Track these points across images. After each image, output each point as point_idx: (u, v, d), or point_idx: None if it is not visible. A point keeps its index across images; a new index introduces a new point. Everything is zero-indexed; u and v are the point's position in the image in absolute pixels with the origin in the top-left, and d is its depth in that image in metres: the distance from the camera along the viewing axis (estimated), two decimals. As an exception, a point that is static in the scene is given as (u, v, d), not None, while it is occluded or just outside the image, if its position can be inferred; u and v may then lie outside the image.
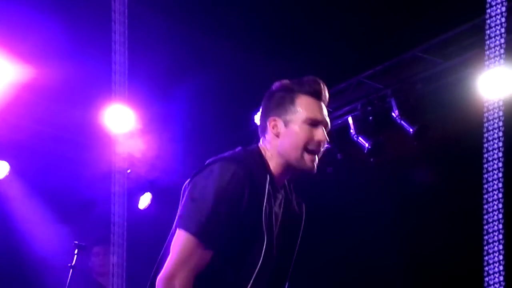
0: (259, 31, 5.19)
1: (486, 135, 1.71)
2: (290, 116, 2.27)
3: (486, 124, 1.69)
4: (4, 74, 4.66)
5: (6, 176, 5.70)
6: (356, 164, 6.17)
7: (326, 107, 2.37)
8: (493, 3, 1.77)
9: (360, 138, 5.86)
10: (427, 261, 6.04)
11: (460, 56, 5.38)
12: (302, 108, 2.29)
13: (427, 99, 5.64)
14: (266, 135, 2.33)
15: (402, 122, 5.60)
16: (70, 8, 4.53)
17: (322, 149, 2.30)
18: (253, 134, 6.59)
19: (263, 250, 2.10)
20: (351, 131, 5.93)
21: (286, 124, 2.28)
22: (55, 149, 5.94)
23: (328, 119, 2.34)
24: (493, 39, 1.83)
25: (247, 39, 5.24)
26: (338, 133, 6.15)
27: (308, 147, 2.27)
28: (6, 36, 3.87)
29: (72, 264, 4.73)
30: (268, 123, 2.31)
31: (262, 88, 6.14)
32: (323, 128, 2.30)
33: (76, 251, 4.75)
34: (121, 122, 5.62)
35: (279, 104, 2.31)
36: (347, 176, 6.24)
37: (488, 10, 1.81)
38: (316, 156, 2.29)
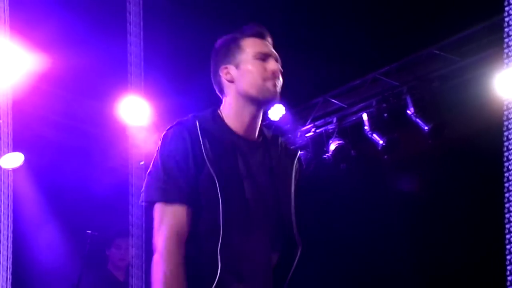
0: (276, 27, 5.17)
1: (506, 133, 1.69)
2: (239, 58, 2.30)
3: (506, 123, 1.67)
4: (20, 64, 4.68)
5: (20, 166, 5.73)
6: (370, 161, 6.15)
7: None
8: (513, 1, 1.76)
9: (374, 135, 5.84)
10: (438, 260, 6.01)
11: (477, 54, 5.34)
12: (248, 47, 2.31)
13: (443, 97, 5.60)
14: (223, 92, 2.36)
15: (417, 119, 5.57)
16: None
17: (279, 79, 2.31)
18: (267, 128, 6.60)
19: (219, 194, 2.11)
20: (366, 127, 5.91)
21: (237, 67, 2.30)
22: (70, 140, 5.96)
23: (276, 54, 2.35)
24: (511, 37, 1.81)
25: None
26: (352, 130, 6.13)
27: (265, 79, 2.28)
28: (22, 25, 3.88)
29: (85, 253, 4.75)
30: (221, 74, 2.32)
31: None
32: (274, 61, 2.31)
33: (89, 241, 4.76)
34: (136, 114, 5.64)
35: (226, 53, 2.33)
36: (361, 172, 6.23)
37: (507, 8, 1.80)
38: (276, 83, 2.30)
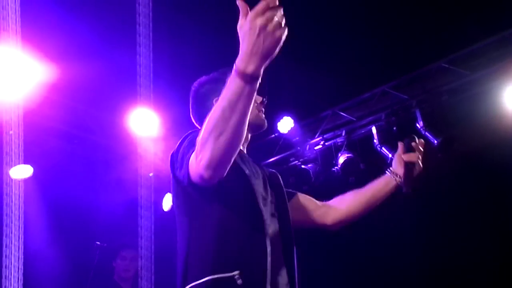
0: (285, 40, 5.19)
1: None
2: None
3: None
4: (31, 74, 4.70)
5: (29, 177, 5.74)
6: (379, 175, 6.12)
7: None
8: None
9: (383, 148, 5.83)
10: (454, 273, 5.97)
11: (487, 68, 5.33)
12: None
13: (453, 111, 5.59)
14: None
15: (427, 133, 5.56)
16: (97, 8, 4.57)
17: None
18: (276, 141, 6.61)
19: (252, 185, 2.26)
20: (375, 141, 5.90)
21: None
22: (79, 150, 5.97)
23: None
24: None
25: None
26: (361, 143, 6.12)
27: (258, 109, 2.50)
28: (33, 36, 3.90)
29: (94, 264, 4.76)
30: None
31: (286, 95, 6.12)
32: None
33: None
34: (145, 125, 5.64)
35: (217, 86, 2.38)
36: (370, 186, 6.19)
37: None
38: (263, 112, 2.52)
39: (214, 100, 2.35)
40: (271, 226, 2.28)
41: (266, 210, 2.28)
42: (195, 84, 2.54)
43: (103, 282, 5.01)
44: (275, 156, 6.73)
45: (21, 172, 4.97)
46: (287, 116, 6.23)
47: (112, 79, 5.02)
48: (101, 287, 4.93)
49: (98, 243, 4.78)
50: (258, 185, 2.31)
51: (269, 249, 2.18)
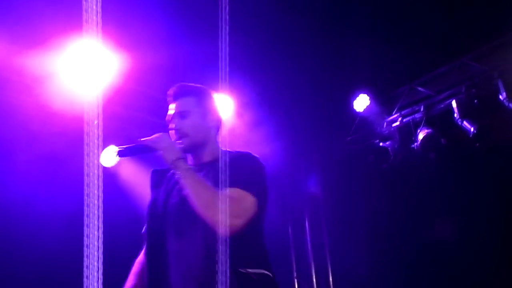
0: (362, 17, 5.10)
1: None
2: None
3: None
4: (109, 64, 4.81)
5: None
6: (460, 149, 5.96)
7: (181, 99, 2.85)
8: None
9: (464, 122, 5.66)
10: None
11: None
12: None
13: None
14: None
15: (511, 104, 5.36)
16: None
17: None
18: (352, 119, 6.55)
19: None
20: (455, 115, 5.74)
21: None
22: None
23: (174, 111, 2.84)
24: None
25: (344, 21, 5.16)
26: (441, 117, 5.97)
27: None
28: (111, 26, 3.97)
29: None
30: None
31: (362, 73, 6.02)
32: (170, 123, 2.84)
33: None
34: (223, 110, 5.68)
35: None
36: (451, 161, 6.05)
37: None
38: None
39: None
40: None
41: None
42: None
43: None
44: (352, 135, 6.66)
45: (109, 158, 5.11)
46: (363, 94, 6.15)
47: (189, 65, 5.07)
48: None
49: None
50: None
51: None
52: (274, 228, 6.84)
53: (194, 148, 2.76)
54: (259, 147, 6.11)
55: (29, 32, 4.64)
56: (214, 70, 2.23)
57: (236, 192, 2.53)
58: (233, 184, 2.41)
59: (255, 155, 2.75)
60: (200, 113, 2.80)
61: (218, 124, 2.86)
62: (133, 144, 2.68)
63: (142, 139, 2.65)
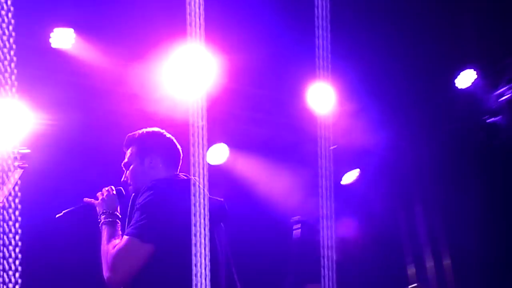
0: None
1: None
2: None
3: None
4: (211, 65, 4.88)
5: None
6: None
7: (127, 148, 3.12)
8: None
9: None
10: None
11: None
12: None
13: None
14: None
15: None
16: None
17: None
18: (457, 96, 6.34)
19: None
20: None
21: None
22: (265, 133, 6.15)
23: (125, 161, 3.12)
24: None
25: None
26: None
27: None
28: (211, 27, 4.02)
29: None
30: None
31: (465, 47, 5.83)
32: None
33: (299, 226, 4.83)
34: (324, 101, 5.66)
35: None
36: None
37: None
38: None
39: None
40: None
41: None
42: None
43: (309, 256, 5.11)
44: (458, 112, 6.48)
45: (217, 155, 5.21)
46: (468, 68, 5.97)
47: (287, 60, 5.09)
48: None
49: (296, 218, 4.85)
50: None
51: None
52: (386, 216, 6.76)
53: (139, 192, 2.96)
54: (363, 136, 6.06)
55: (133, 42, 4.80)
56: (314, 59, 2.25)
57: (123, 241, 2.74)
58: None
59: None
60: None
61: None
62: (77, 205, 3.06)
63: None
